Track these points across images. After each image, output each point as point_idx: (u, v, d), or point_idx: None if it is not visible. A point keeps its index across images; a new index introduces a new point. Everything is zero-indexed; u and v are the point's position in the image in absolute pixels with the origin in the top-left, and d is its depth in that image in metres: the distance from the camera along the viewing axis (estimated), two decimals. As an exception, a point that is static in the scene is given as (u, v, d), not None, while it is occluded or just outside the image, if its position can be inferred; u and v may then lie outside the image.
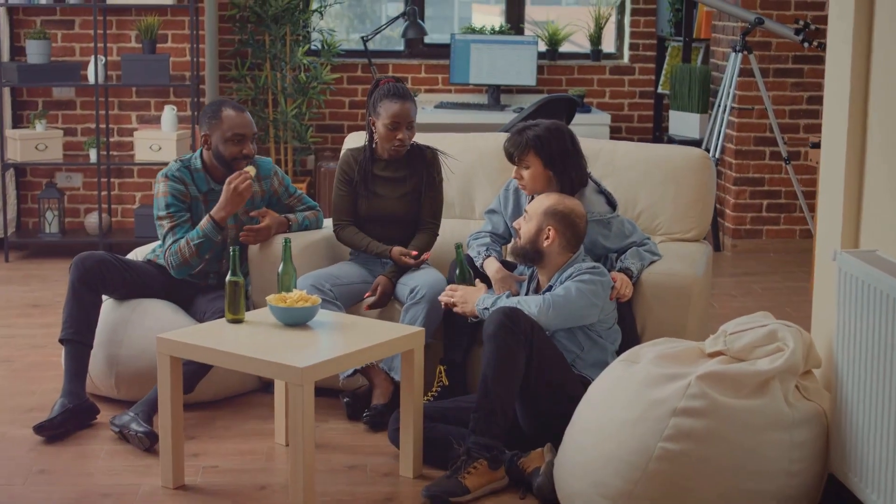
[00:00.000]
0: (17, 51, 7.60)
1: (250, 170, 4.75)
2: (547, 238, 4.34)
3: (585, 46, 8.78)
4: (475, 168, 5.34)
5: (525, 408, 4.22)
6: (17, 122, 7.67)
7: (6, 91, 7.49)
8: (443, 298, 4.49)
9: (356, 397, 4.76)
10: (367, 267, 5.00)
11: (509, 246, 4.61)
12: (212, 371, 4.63)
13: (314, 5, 8.18)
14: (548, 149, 4.53)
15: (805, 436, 3.64)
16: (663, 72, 8.51)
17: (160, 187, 4.87)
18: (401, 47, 8.69)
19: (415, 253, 4.83)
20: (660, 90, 8.54)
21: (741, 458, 3.55)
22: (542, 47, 8.55)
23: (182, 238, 4.78)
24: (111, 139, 7.76)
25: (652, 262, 4.64)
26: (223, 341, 3.95)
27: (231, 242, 4.84)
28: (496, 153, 5.14)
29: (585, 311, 4.27)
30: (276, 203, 5.05)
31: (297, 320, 4.09)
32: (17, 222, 7.69)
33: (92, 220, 7.63)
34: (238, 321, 4.15)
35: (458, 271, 4.55)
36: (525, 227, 4.42)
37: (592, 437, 3.75)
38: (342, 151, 5.13)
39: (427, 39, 8.56)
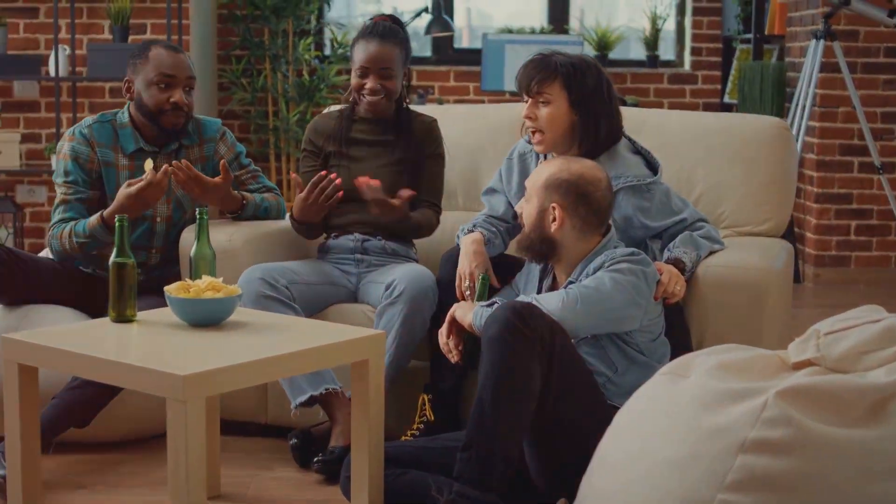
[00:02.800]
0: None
1: (148, 163, 3.60)
2: (553, 220, 3.14)
3: (640, 51, 7.64)
4: (483, 147, 4.14)
5: (537, 447, 3.01)
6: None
7: (-44, 89, 6.43)
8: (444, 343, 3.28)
9: (309, 438, 3.55)
10: (340, 267, 3.81)
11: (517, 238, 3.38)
12: (125, 402, 3.49)
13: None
14: (579, 82, 3.35)
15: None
16: (730, 78, 7.37)
17: (63, 146, 3.83)
18: (428, 52, 7.58)
19: (406, 195, 3.69)
20: (726, 100, 7.41)
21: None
22: (590, 52, 7.43)
23: (67, 225, 3.70)
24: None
25: (712, 253, 3.41)
26: (90, 344, 2.77)
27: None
28: (510, 128, 3.95)
29: (624, 310, 3.06)
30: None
31: (203, 317, 2.90)
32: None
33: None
34: (126, 320, 2.96)
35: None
36: (526, 209, 3.22)
37: (621, 485, 2.51)
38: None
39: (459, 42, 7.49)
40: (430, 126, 3.88)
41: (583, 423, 2.95)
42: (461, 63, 7.51)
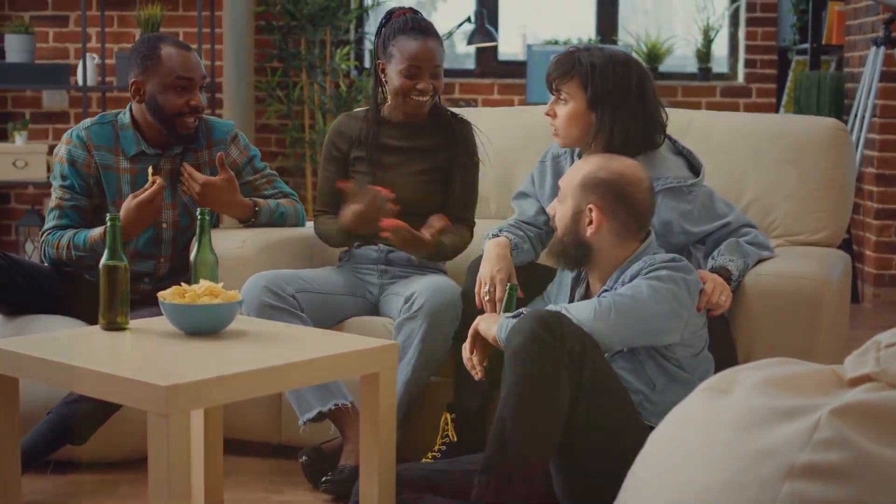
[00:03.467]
0: (-1, 53, 6.36)
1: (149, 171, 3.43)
2: (590, 223, 2.87)
3: (692, 63, 7.35)
4: (519, 151, 3.88)
5: (564, 470, 2.74)
6: (1, 137, 6.39)
7: (-17, 98, 6.25)
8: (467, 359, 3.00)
9: (320, 455, 3.30)
10: (359, 276, 3.56)
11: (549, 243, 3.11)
12: (127, 419, 3.28)
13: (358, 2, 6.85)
14: (600, 81, 3.09)
15: None
16: (786, 91, 7.06)
17: (60, 149, 3.63)
18: (471, 65, 7.34)
19: (439, 226, 3.43)
20: (782, 112, 7.04)
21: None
22: (640, 65, 7.15)
23: (65, 234, 3.50)
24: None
25: (761, 261, 3.13)
26: (71, 353, 2.52)
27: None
28: (546, 130, 3.67)
29: (663, 321, 2.78)
30: None
31: (199, 325, 2.64)
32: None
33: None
34: (117, 327, 2.72)
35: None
36: (560, 210, 2.95)
37: (653, 515, 2.22)
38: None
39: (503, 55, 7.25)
40: (466, 130, 3.62)
41: (615, 443, 2.67)
42: (506, 75, 7.26)
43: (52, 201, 3.61)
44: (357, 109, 3.74)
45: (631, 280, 2.84)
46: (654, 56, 7.32)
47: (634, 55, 6.90)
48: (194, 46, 6.07)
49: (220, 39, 6.26)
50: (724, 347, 3.01)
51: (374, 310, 3.53)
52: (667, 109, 3.30)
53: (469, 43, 6.89)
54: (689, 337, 2.86)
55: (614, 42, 7.36)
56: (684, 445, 2.30)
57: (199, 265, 2.85)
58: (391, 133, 3.57)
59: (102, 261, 2.72)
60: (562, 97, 3.16)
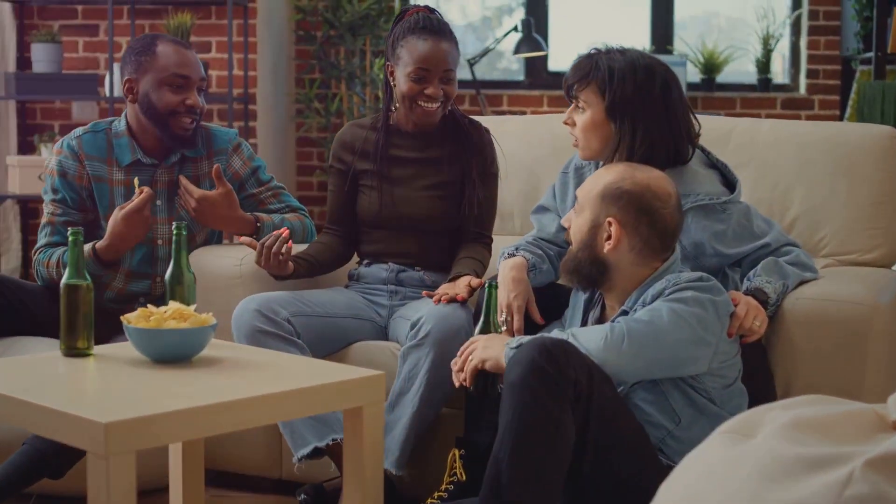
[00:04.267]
0: (25, 63, 6.15)
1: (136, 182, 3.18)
2: (608, 238, 2.57)
3: (751, 73, 7.01)
4: (546, 162, 3.59)
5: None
6: (28, 149, 6.20)
7: (12, 109, 6.03)
8: (455, 364, 2.71)
9: (321, 494, 3.02)
10: (368, 297, 3.28)
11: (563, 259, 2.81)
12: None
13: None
14: (619, 87, 2.80)
15: None
16: (850, 103, 6.68)
17: (51, 161, 3.41)
18: (521, 76, 7.06)
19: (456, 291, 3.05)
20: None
21: None
22: (696, 76, 6.85)
23: (55, 252, 3.29)
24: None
25: (803, 282, 2.80)
26: (12, 381, 2.27)
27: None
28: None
29: (687, 350, 2.48)
30: (236, 193, 3.37)
31: (165, 352, 2.38)
32: (23, 269, 6.15)
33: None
34: (78, 353, 2.46)
35: (482, 321, 2.77)
36: (576, 222, 2.66)
37: (662, 578, 1.92)
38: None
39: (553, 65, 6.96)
40: (483, 139, 3.32)
41: (628, 486, 2.37)
42: (556, 87, 6.95)
43: (44, 217, 3.39)
44: (364, 118, 3.47)
45: (652, 301, 2.53)
46: (712, 66, 6.98)
47: (690, 65, 6.60)
48: (225, 56, 5.87)
49: (253, 48, 6.03)
50: (761, 379, 2.70)
51: (384, 333, 3.26)
52: (706, 115, 2.99)
53: (515, 53, 6.60)
54: (718, 367, 2.55)
55: (669, 52, 7.04)
56: (699, 497, 2.00)
57: (173, 285, 2.60)
58: (400, 143, 3.30)
59: (63, 280, 2.47)
60: (579, 105, 2.88)
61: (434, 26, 3.22)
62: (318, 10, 6.35)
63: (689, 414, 2.55)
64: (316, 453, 2.94)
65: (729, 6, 7.47)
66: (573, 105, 2.90)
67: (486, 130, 3.34)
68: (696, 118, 2.91)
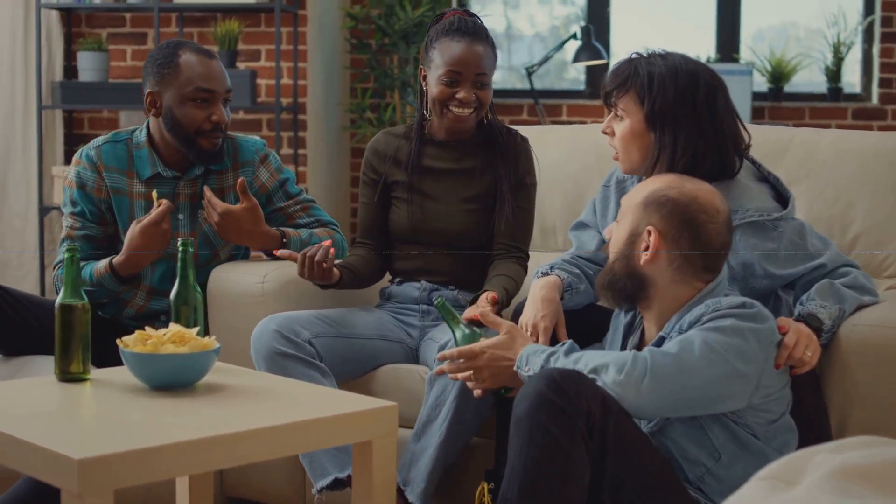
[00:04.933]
0: (72, 72, 6.05)
1: (154, 194, 3.05)
2: (646, 248, 2.37)
3: (821, 83, 6.75)
4: (589, 172, 3.39)
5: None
6: (73, 160, 6.10)
7: (58, 117, 5.94)
8: (447, 369, 2.56)
9: (342, 528, 2.84)
10: (399, 317, 3.10)
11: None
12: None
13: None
14: (659, 95, 2.59)
15: None
16: (925, 113, 6.41)
17: (69, 172, 3.25)
18: (581, 85, 6.85)
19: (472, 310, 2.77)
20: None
21: None
22: (764, 85, 6.61)
23: None
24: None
25: (861, 307, 2.57)
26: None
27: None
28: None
29: (721, 387, 2.26)
30: (262, 207, 3.20)
31: (163, 378, 2.22)
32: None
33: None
34: (74, 378, 2.30)
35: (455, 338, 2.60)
36: (616, 232, 2.45)
37: None
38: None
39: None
40: (518, 147, 3.13)
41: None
42: (618, 96, 6.74)
43: (63, 230, 3.24)
44: (398, 126, 3.29)
45: (689, 328, 2.32)
46: (779, 75, 6.73)
47: (756, 74, 6.35)
48: (272, 64, 5.72)
49: (303, 57, 5.88)
50: (813, 413, 2.47)
51: (414, 356, 3.07)
52: (770, 126, 2.77)
53: (574, 61, 6.40)
54: (761, 401, 2.33)
55: (735, 60, 6.80)
56: (733, 553, 1.79)
57: (178, 305, 2.43)
58: (433, 153, 3.12)
59: (58, 300, 2.31)
60: (618, 113, 2.67)
61: (469, 28, 3.04)
62: (371, 17, 6.19)
63: (730, 450, 2.33)
64: (337, 485, 2.76)
65: (806, 16, 7.20)
66: (612, 113, 2.70)
67: (524, 139, 3.15)
68: (745, 128, 2.70)
